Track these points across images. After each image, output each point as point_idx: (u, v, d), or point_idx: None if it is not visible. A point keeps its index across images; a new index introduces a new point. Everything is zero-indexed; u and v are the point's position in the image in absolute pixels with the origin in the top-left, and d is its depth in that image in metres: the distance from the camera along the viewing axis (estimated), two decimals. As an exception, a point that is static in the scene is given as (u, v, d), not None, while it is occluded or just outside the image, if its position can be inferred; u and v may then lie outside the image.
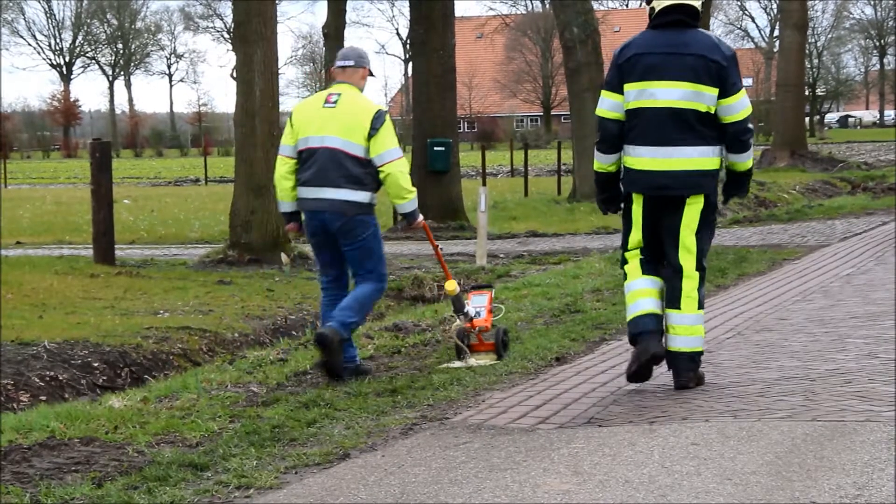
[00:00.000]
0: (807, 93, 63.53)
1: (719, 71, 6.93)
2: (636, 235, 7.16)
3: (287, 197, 7.92)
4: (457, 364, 8.11)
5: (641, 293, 7.07)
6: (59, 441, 6.28)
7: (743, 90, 7.06)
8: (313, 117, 7.77)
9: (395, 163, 7.71)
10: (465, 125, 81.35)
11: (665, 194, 7.01)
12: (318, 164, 7.71)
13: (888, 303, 10.09)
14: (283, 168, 7.88)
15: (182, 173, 55.27)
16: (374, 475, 5.50)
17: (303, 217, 7.94)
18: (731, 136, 7.04)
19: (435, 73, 20.63)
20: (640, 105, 7.00)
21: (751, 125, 7.12)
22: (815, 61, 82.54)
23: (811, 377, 7.21)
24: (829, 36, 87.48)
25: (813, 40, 79.04)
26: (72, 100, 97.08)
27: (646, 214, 7.10)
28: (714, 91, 6.94)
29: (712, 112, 6.98)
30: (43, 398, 8.61)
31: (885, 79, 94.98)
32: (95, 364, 9.49)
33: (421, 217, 8.09)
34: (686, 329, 7.00)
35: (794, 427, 6.00)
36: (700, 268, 7.06)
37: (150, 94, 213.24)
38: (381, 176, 7.74)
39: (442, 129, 20.66)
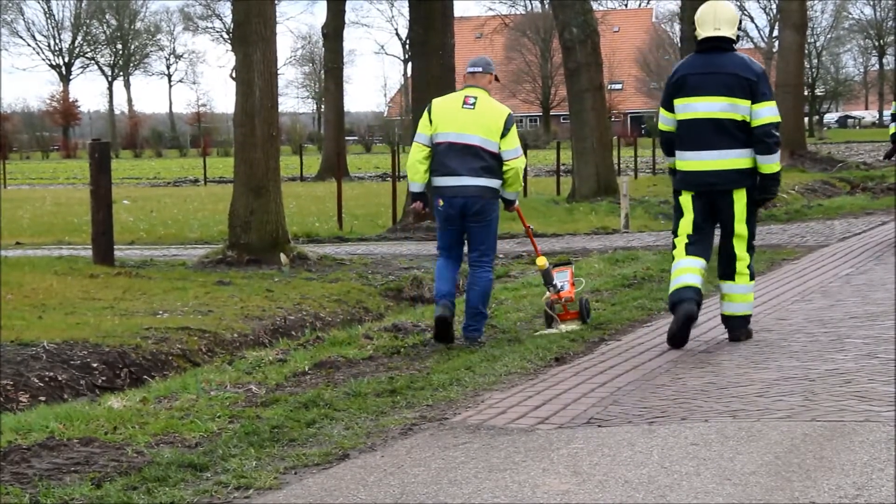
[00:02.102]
0: (806, 93, 63.54)
1: (751, 85, 8.44)
2: (688, 220, 8.64)
3: (419, 179, 9.11)
4: (548, 331, 9.32)
5: (685, 270, 8.55)
6: (58, 441, 6.28)
7: (771, 101, 8.51)
8: (454, 116, 9.01)
9: (519, 159, 9.08)
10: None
11: (712, 189, 8.55)
12: (459, 157, 8.95)
13: (887, 303, 10.10)
14: (419, 154, 9.07)
15: (181, 174, 55.27)
16: (373, 475, 5.50)
17: (441, 201, 9.03)
18: (756, 138, 8.47)
19: (434, 74, 20.58)
20: (686, 117, 8.60)
21: (776, 132, 8.50)
22: (815, 61, 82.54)
23: (810, 377, 7.22)
24: (829, 36, 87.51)
25: (812, 40, 79.03)
26: (71, 100, 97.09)
27: (696, 206, 8.61)
28: (747, 103, 8.44)
29: (747, 120, 8.47)
30: (42, 399, 8.61)
31: (885, 79, 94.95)
32: (95, 364, 9.49)
33: (518, 203, 9.43)
34: (739, 297, 8.68)
35: (793, 427, 6.00)
36: (750, 248, 8.69)
37: (149, 95, 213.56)
38: (505, 168, 9.02)
39: (441, 130, 20.63)
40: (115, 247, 15.73)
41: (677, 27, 61.98)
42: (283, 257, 15.39)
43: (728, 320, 8.72)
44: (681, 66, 8.75)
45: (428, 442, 6.10)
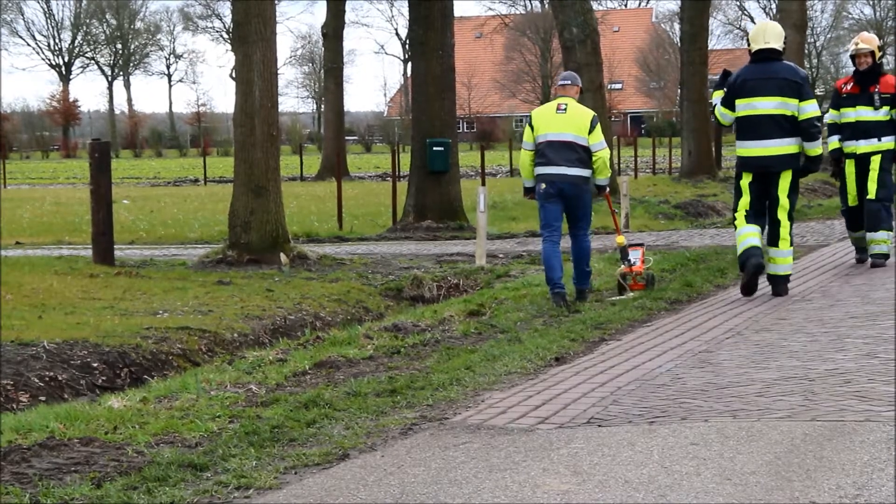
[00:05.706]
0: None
1: (798, 87, 10.81)
2: (745, 200, 10.90)
3: (529, 176, 11.23)
4: (618, 297, 11.15)
5: (748, 234, 10.78)
6: (58, 441, 6.28)
7: (813, 99, 10.86)
8: (551, 120, 11.11)
9: (604, 151, 11.11)
10: (465, 125, 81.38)
11: (767, 171, 10.83)
12: (558, 151, 10.98)
13: (887, 302, 10.10)
14: (527, 157, 11.23)
15: (181, 173, 55.27)
16: (373, 475, 5.50)
17: (543, 185, 10.96)
18: (803, 129, 10.80)
19: (434, 73, 20.59)
20: (747, 113, 10.90)
21: (818, 123, 10.87)
22: (815, 61, 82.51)
23: (810, 377, 7.21)
24: (829, 36, 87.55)
25: (812, 40, 79.06)
26: (71, 100, 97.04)
27: (753, 186, 10.89)
28: (795, 101, 10.77)
29: (795, 115, 10.77)
30: (42, 398, 8.61)
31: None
32: (95, 364, 9.49)
33: (608, 190, 11.51)
34: (782, 259, 10.94)
35: (793, 427, 6.00)
36: (790, 217, 10.92)
37: (149, 95, 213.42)
38: (594, 158, 11.05)
39: (441, 129, 20.62)
40: (115, 246, 15.75)
41: (677, 27, 61.98)
42: (283, 257, 15.39)
43: (772, 279, 10.91)
44: (741, 73, 11.02)
45: (428, 442, 6.10)
